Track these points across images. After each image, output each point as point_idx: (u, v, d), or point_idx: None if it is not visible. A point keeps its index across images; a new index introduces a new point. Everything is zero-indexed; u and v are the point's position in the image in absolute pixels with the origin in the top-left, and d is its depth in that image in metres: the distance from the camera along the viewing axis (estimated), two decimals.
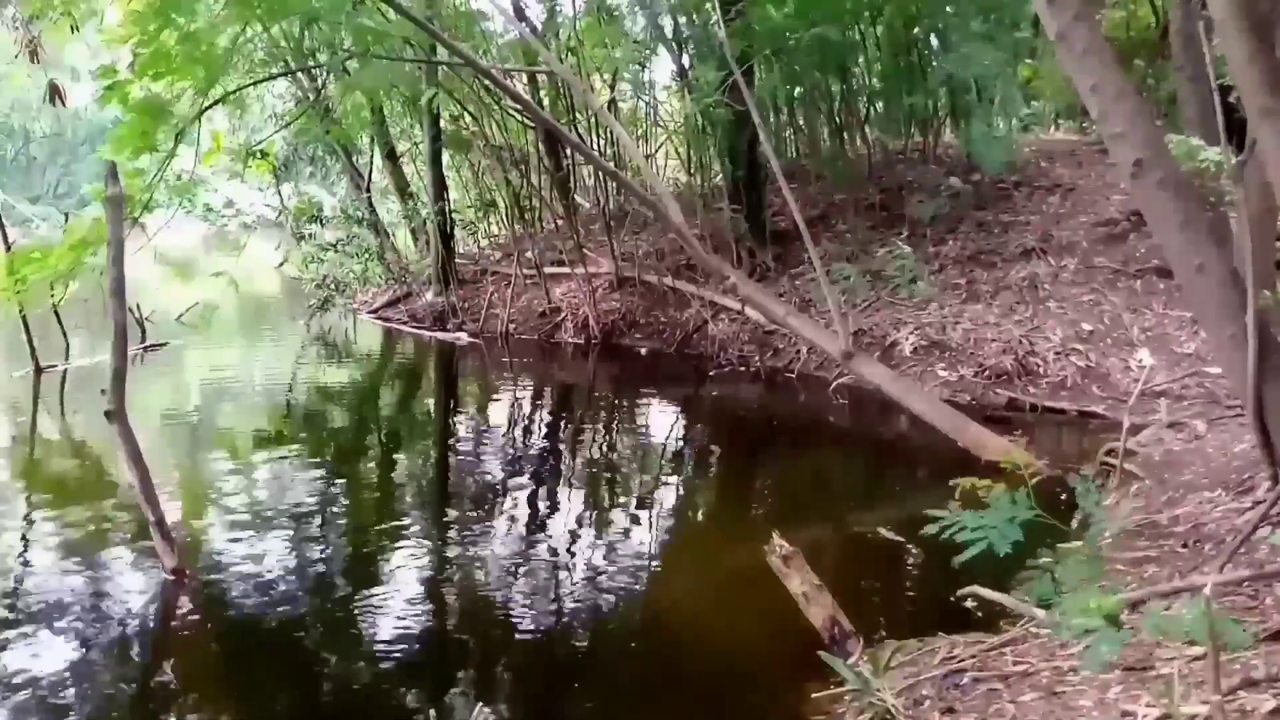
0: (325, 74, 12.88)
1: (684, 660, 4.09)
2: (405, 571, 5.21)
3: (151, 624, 4.55)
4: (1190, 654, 2.90)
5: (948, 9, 10.60)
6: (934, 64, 11.06)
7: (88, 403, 8.55)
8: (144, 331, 11.89)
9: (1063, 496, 4.74)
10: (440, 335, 13.16)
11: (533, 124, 13.43)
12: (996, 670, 3.28)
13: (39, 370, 10.06)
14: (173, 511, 5.58)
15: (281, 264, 18.23)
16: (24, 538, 5.69)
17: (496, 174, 14.17)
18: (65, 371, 10.22)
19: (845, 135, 12.83)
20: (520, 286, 13.28)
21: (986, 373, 8.19)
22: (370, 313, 15.20)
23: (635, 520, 6.07)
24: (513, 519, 6.12)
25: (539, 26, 13.06)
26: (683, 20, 11.96)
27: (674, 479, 7.22)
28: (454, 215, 15.14)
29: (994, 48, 9.71)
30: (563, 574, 5.13)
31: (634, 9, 12.37)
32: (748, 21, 9.80)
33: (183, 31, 6.21)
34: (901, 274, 9.13)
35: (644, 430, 8.83)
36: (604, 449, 8.20)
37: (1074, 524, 4.40)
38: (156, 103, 6.35)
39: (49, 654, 4.13)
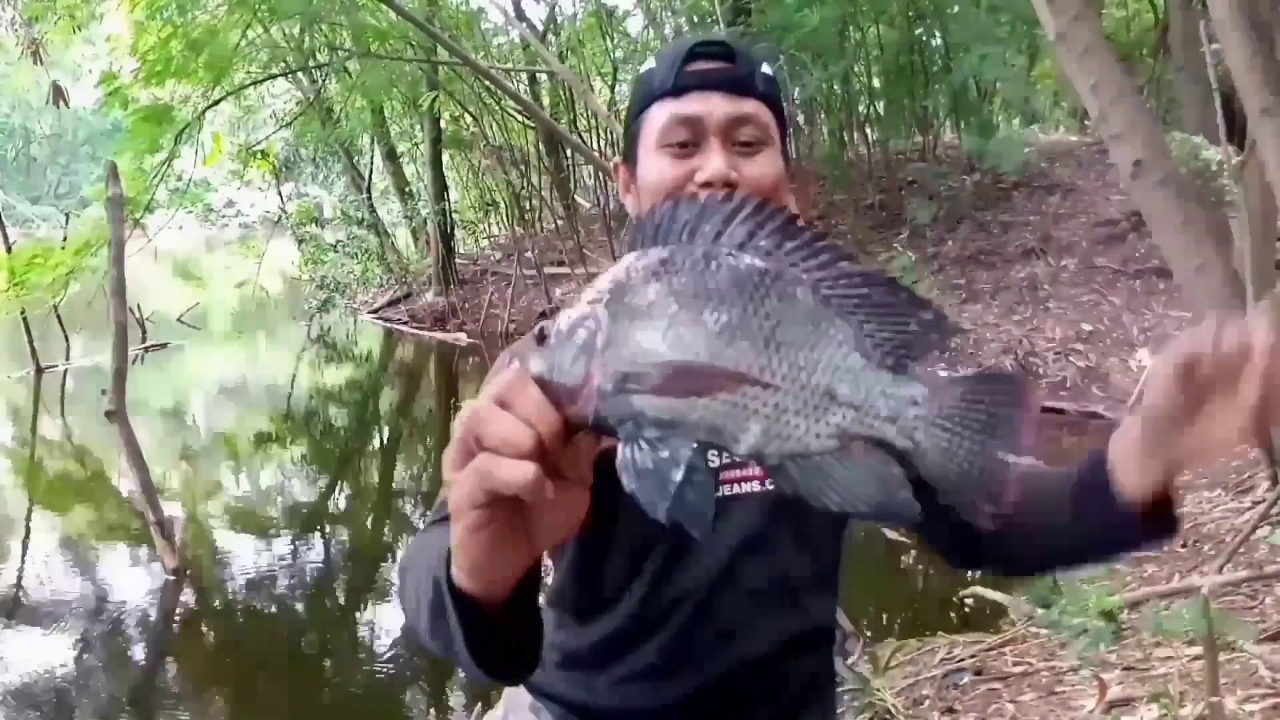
0: (325, 74, 12.88)
1: None
2: None
3: (152, 624, 4.56)
4: (1190, 654, 2.90)
5: (952, 9, 10.59)
6: (937, 63, 11.03)
7: (88, 403, 8.56)
8: (144, 332, 11.89)
9: None
10: (440, 336, 13.15)
11: (533, 124, 13.43)
12: (996, 670, 3.29)
13: (39, 370, 10.06)
14: (173, 512, 5.59)
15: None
16: (25, 538, 5.70)
17: (496, 174, 14.18)
18: (66, 371, 10.22)
19: (845, 135, 12.82)
20: (520, 287, 13.28)
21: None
22: (370, 313, 15.20)
23: None
24: None
25: (539, 26, 13.07)
26: (681, 21, 11.96)
27: None
28: (454, 215, 15.14)
29: (1001, 46, 9.68)
30: None
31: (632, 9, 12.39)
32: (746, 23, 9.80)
33: (189, 37, 6.25)
34: (903, 276, 9.11)
35: None
36: None
37: None
38: (159, 111, 6.39)
39: (49, 654, 4.13)
